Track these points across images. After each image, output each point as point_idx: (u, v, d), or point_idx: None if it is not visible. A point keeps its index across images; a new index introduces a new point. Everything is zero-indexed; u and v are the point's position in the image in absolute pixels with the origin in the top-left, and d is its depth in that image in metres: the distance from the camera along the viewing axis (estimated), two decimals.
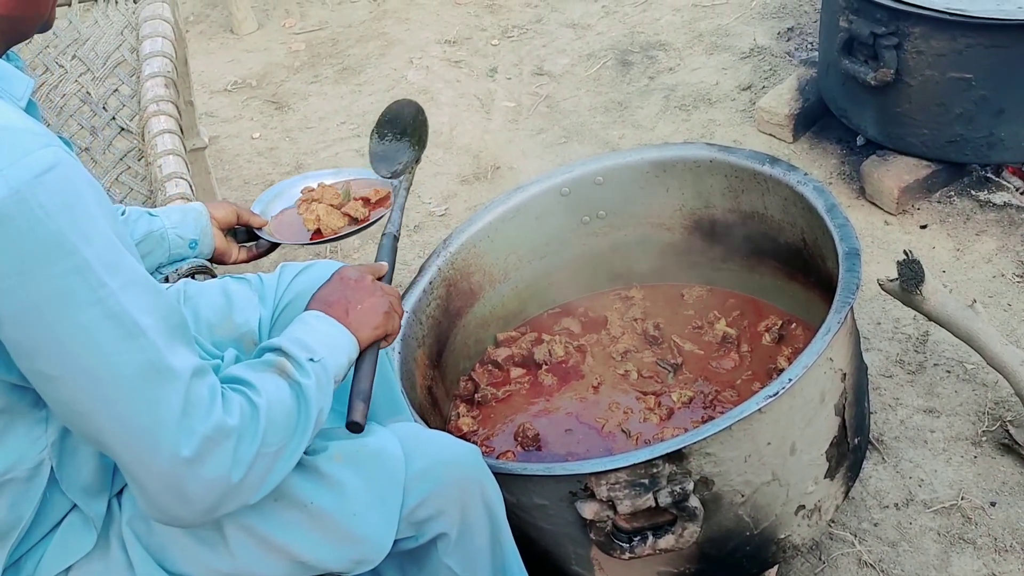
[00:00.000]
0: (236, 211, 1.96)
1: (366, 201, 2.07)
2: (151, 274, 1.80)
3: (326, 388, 1.38)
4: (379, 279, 1.65)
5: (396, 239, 1.87)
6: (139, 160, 2.39)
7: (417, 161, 2.18)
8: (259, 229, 2.02)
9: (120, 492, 1.43)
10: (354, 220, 2.03)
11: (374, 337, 1.52)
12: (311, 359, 1.37)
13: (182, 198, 2.14)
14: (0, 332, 1.12)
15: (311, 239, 2.03)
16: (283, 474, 1.32)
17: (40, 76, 2.60)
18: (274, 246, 2.03)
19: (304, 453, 1.41)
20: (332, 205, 2.05)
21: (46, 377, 1.15)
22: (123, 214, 1.79)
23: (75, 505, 1.37)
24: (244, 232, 2.02)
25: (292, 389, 1.33)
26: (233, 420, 1.22)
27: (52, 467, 1.31)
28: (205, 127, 3.63)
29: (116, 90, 2.57)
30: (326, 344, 1.42)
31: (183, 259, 1.87)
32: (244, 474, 1.24)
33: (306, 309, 1.50)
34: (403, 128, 2.23)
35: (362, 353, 1.51)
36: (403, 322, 2.11)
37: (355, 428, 1.47)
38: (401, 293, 2.26)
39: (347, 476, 1.46)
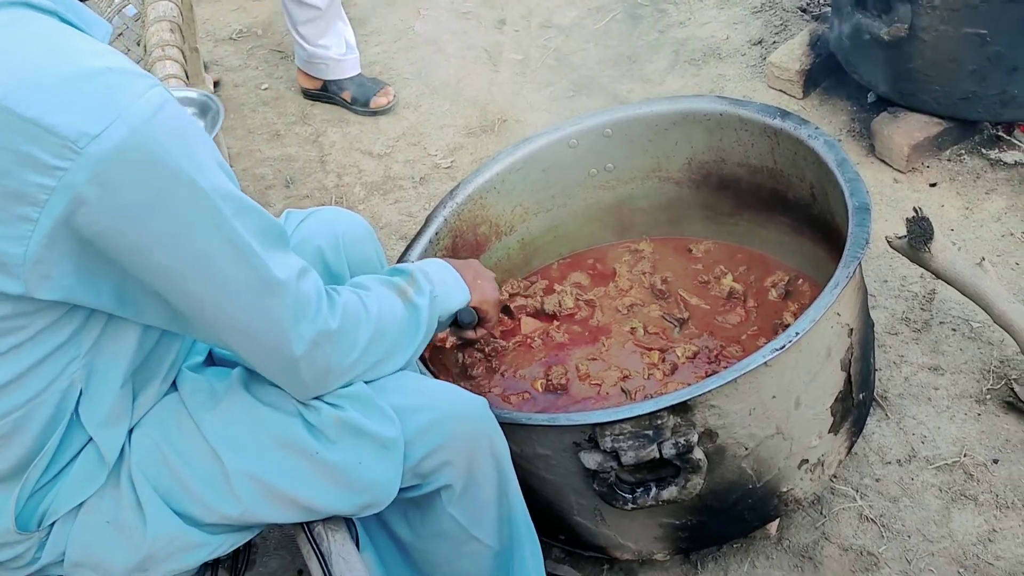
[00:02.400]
0: None
1: None
2: None
3: (432, 321, 1.59)
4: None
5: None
6: None
7: None
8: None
9: (130, 432, 1.43)
10: None
11: (478, 305, 1.79)
12: (433, 292, 1.59)
13: None
14: (128, 258, 1.18)
15: None
16: (390, 370, 1.51)
17: None
18: None
19: (307, 410, 1.44)
20: None
21: (182, 292, 1.24)
22: None
23: (90, 439, 1.37)
24: None
25: (408, 309, 1.53)
26: (335, 323, 1.37)
27: (81, 389, 1.32)
28: (210, 74, 3.60)
29: (121, 34, 2.54)
30: (446, 285, 1.67)
31: None
32: (345, 368, 1.42)
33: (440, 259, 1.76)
34: None
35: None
36: None
37: (465, 314, 1.77)
38: (407, 244, 2.26)
39: (347, 431, 1.45)
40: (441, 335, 2.21)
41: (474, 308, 1.80)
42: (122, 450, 1.42)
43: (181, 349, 1.48)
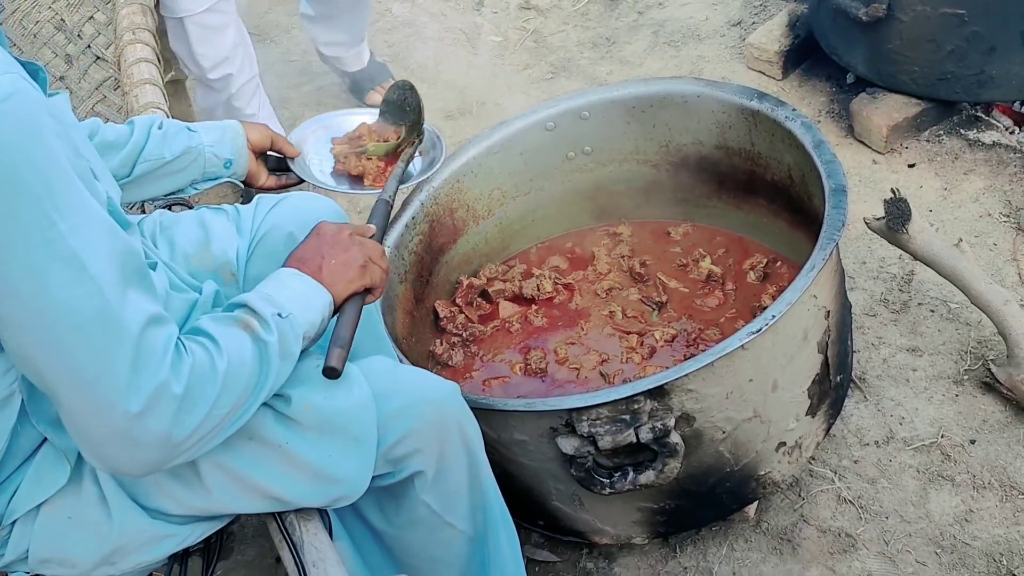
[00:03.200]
0: (271, 136, 1.93)
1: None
2: (186, 189, 1.80)
3: (292, 346, 1.35)
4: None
5: (390, 205, 1.84)
6: (115, 90, 2.34)
7: (416, 139, 2.13)
8: (291, 160, 2.00)
9: None
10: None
11: (350, 291, 1.48)
12: (279, 314, 1.33)
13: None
14: None
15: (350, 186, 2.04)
16: (233, 430, 1.30)
17: (13, 2, 2.53)
18: (302, 180, 2.01)
19: (277, 399, 1.41)
20: (379, 160, 2.05)
21: None
22: (160, 127, 1.76)
23: (45, 439, 1.35)
24: (274, 160, 2.00)
25: (256, 346, 1.30)
26: (179, 387, 1.18)
27: (23, 399, 1.30)
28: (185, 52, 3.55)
29: (91, 17, 2.50)
30: (297, 301, 1.38)
31: (217, 178, 1.86)
32: (186, 435, 1.21)
33: (283, 266, 1.46)
34: (403, 107, 2.17)
35: (343, 305, 1.48)
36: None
37: (331, 374, 1.42)
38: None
39: (320, 422, 1.43)
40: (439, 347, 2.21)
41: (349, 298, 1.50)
42: None
43: None
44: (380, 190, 1.88)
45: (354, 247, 1.50)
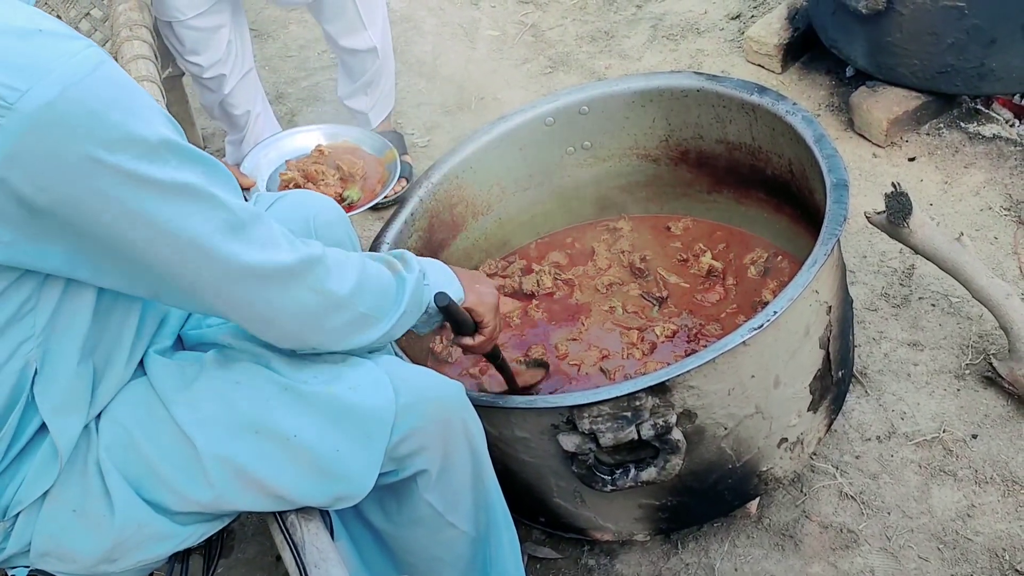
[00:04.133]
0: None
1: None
2: None
3: (418, 299, 1.54)
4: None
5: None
6: None
7: None
8: (246, 190, 2.01)
9: (98, 417, 1.40)
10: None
11: (472, 307, 1.69)
12: (423, 271, 1.56)
13: None
14: (77, 219, 1.14)
15: None
16: (367, 337, 1.46)
17: None
18: None
19: (297, 381, 1.42)
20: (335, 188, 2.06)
21: (139, 249, 1.19)
22: None
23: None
24: None
25: (395, 278, 1.50)
26: (319, 250, 1.35)
27: (36, 369, 1.29)
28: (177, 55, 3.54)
29: (88, 14, 2.49)
30: (439, 279, 1.62)
31: None
32: (346, 294, 1.38)
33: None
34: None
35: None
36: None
37: (441, 298, 1.61)
38: (383, 225, 2.24)
39: (336, 411, 1.43)
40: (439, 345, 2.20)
41: (468, 310, 1.69)
42: (89, 437, 1.39)
43: (142, 329, 1.44)
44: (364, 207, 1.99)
45: (498, 293, 1.77)
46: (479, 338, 1.74)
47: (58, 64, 1.08)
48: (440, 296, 1.60)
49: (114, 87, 1.11)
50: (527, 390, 2.11)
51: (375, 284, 1.45)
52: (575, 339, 2.27)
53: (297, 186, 2.08)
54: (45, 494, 1.37)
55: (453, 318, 1.67)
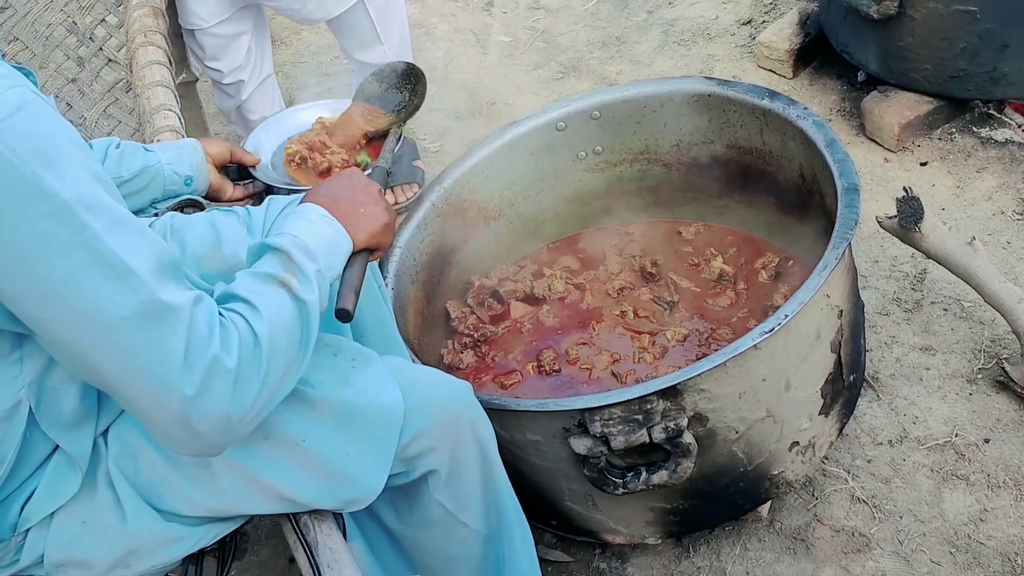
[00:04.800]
0: (230, 148, 1.96)
1: (369, 142, 2.08)
2: (146, 209, 1.80)
3: (323, 298, 1.34)
4: None
5: (388, 173, 1.84)
6: (127, 92, 2.35)
7: (409, 112, 2.15)
8: (252, 168, 2.02)
9: (106, 431, 1.41)
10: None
11: (367, 244, 1.47)
12: (317, 269, 1.32)
13: (171, 131, 2.11)
14: None
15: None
16: (288, 390, 1.30)
17: (24, 4, 2.54)
18: (270, 187, 2.02)
19: (305, 386, 1.41)
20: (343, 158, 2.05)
21: (38, 320, 1.12)
22: (118, 147, 1.77)
23: (59, 446, 1.36)
24: (236, 170, 2.02)
25: (296, 305, 1.28)
26: (231, 361, 1.18)
27: (31, 406, 1.29)
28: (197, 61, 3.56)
29: (103, 20, 2.51)
30: (327, 249, 1.37)
31: (177, 195, 1.85)
32: (246, 411, 1.21)
33: (305, 200, 1.44)
34: (403, 77, 2.20)
35: (354, 255, 1.46)
36: (396, 258, 2.10)
37: (344, 316, 1.40)
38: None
39: (345, 415, 1.44)
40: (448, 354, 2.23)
41: (362, 249, 1.49)
42: (97, 450, 1.40)
43: None
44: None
45: (381, 203, 1.50)
46: (376, 256, 1.55)
47: None
48: (342, 314, 1.42)
49: (31, 137, 1.05)
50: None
51: (283, 344, 1.26)
52: (586, 343, 2.27)
53: (303, 159, 2.07)
54: (54, 512, 1.38)
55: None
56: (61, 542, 1.39)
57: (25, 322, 1.13)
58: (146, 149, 1.81)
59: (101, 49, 2.45)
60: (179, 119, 2.16)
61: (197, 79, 3.12)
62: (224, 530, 1.49)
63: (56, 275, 1.08)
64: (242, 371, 1.19)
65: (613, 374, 2.18)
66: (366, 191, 1.50)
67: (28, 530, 1.39)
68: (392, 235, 1.54)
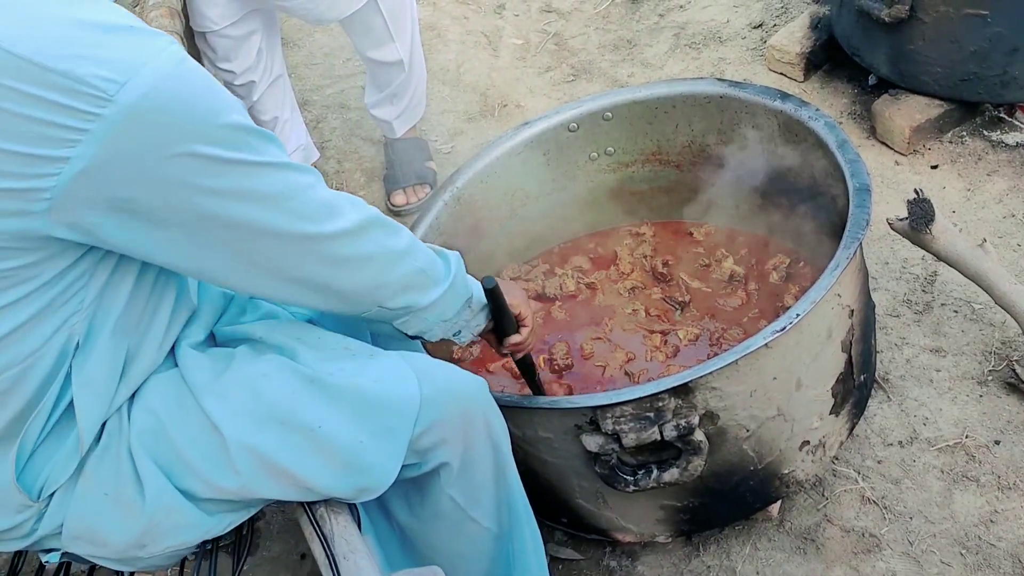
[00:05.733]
0: None
1: None
2: None
3: (460, 286, 1.57)
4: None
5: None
6: None
7: None
8: None
9: (131, 405, 1.43)
10: None
11: (513, 304, 1.72)
12: (459, 263, 1.58)
13: None
14: (158, 206, 1.20)
15: None
16: (426, 301, 1.51)
17: None
18: None
19: (322, 373, 1.45)
20: None
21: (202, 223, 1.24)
22: None
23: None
24: None
25: (439, 255, 1.55)
26: (374, 212, 1.41)
27: (78, 343, 1.33)
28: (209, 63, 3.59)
29: None
30: (479, 314, 1.65)
31: None
32: (401, 250, 1.45)
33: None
34: None
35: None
36: None
37: (488, 281, 1.63)
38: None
39: (360, 403, 1.45)
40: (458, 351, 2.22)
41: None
42: (121, 422, 1.42)
43: (176, 313, 1.48)
44: None
45: (524, 295, 1.79)
46: (524, 331, 1.75)
47: (150, 58, 1.13)
48: (487, 280, 1.62)
49: (199, 79, 1.18)
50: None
51: (424, 249, 1.51)
52: (600, 338, 2.28)
53: None
54: (79, 476, 1.40)
55: (499, 306, 1.67)
56: (82, 512, 1.41)
57: (184, 233, 1.25)
58: None
59: None
60: None
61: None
62: (239, 519, 1.50)
63: (236, 191, 1.25)
64: (388, 222, 1.45)
65: (627, 373, 2.19)
66: (511, 282, 1.85)
67: (52, 497, 1.41)
68: (533, 341, 1.82)
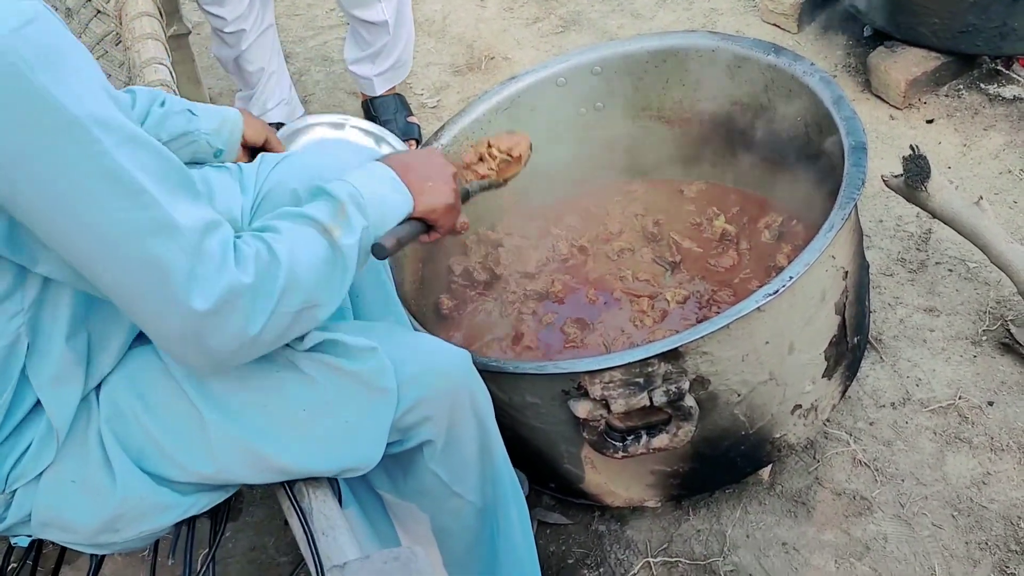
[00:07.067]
0: (267, 135, 1.88)
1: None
2: None
3: (362, 258, 1.35)
4: None
5: (468, 193, 1.76)
6: (117, 44, 2.29)
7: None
8: None
9: (98, 391, 1.38)
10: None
11: (425, 215, 1.48)
12: (365, 225, 1.34)
13: (162, 84, 2.05)
14: None
15: None
16: (307, 328, 1.31)
17: None
18: None
19: (306, 359, 1.39)
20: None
21: (48, 233, 1.12)
22: (162, 105, 1.70)
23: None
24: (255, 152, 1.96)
25: (331, 250, 1.29)
26: (248, 277, 1.18)
27: (28, 344, 1.27)
28: (188, 13, 3.50)
29: None
30: (381, 208, 1.39)
31: (203, 163, 1.80)
32: (261, 328, 1.21)
33: (383, 161, 1.46)
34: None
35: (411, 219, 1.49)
36: None
37: (379, 251, 1.40)
38: None
39: (343, 385, 1.41)
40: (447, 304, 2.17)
41: (420, 217, 1.49)
42: (89, 409, 1.37)
43: None
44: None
45: (451, 184, 1.51)
46: (434, 236, 1.55)
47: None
48: (377, 248, 1.40)
49: (43, 50, 1.03)
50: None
51: (305, 275, 1.25)
52: (591, 301, 2.24)
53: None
54: (43, 470, 1.36)
55: (400, 244, 1.46)
56: (49, 500, 1.36)
57: (37, 234, 1.13)
58: (191, 112, 1.74)
59: (90, 0, 2.38)
60: (170, 73, 2.11)
61: (190, 31, 3.05)
62: (215, 499, 1.46)
63: (67, 188, 1.07)
64: (260, 284, 1.20)
65: (603, 345, 2.14)
66: (440, 169, 1.51)
67: (16, 489, 1.37)
68: (454, 220, 1.54)
